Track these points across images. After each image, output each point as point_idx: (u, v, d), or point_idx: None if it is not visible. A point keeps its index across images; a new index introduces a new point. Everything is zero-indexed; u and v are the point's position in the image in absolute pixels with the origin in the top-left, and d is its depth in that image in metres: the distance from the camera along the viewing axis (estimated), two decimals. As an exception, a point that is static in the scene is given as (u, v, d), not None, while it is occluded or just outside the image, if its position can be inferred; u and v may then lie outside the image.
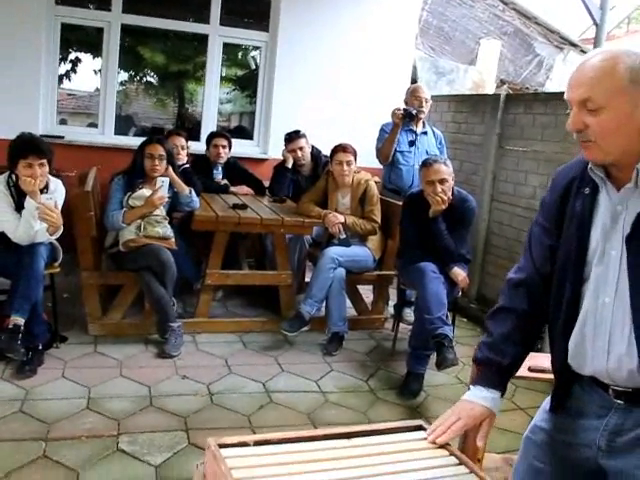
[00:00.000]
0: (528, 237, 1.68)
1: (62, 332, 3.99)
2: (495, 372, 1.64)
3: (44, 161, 3.58)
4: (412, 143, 5.03)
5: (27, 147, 3.56)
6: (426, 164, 3.91)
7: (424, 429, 1.63)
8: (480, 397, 1.61)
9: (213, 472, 1.40)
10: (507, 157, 5.18)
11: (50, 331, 3.85)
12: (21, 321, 3.43)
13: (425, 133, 5.14)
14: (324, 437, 1.55)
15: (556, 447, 1.58)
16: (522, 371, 2.66)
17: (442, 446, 1.56)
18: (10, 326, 3.40)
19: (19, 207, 3.58)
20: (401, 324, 4.51)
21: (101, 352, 3.91)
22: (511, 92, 5.45)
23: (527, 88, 8.82)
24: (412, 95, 5.11)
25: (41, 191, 3.58)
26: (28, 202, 3.52)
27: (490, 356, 1.64)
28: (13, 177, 3.63)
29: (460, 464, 1.50)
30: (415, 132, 5.06)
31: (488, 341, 1.68)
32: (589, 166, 1.45)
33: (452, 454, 1.54)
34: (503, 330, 1.65)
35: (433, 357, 3.72)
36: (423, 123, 5.14)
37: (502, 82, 8.74)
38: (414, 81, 6.77)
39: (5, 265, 3.59)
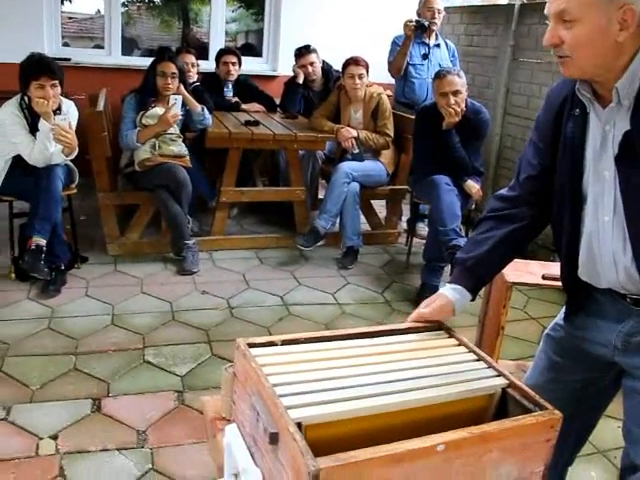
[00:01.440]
0: (521, 157, 1.72)
1: (82, 253, 4.07)
2: (461, 270, 1.71)
3: (56, 82, 3.57)
4: (425, 56, 4.94)
5: (38, 67, 3.54)
6: (439, 76, 3.86)
7: (444, 329, 1.69)
8: (446, 289, 1.71)
9: (244, 370, 1.46)
10: (521, 69, 5.09)
11: (71, 252, 3.92)
12: (43, 242, 3.50)
13: (438, 45, 5.04)
14: (348, 336, 1.61)
15: (574, 342, 1.65)
16: (536, 279, 2.73)
17: (461, 343, 1.62)
18: (32, 247, 3.47)
19: (33, 129, 3.58)
20: (414, 238, 4.55)
21: (121, 271, 4.00)
22: (525, 1, 5.31)
23: (541, -4, 8.53)
24: (424, 6, 4.98)
25: (54, 112, 3.58)
26: (42, 124, 3.53)
27: (459, 255, 1.73)
28: (26, 99, 3.62)
29: (478, 360, 1.56)
30: (428, 44, 4.96)
31: (464, 245, 1.79)
32: (577, 86, 1.45)
33: (471, 350, 1.59)
34: (475, 234, 1.74)
35: (447, 269, 3.78)
36: (436, 35, 5.03)
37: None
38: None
39: (24, 188, 3.63)
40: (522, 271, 2.75)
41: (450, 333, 1.67)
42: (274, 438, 1.23)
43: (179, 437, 2.40)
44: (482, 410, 1.45)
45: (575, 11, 1.33)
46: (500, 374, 1.48)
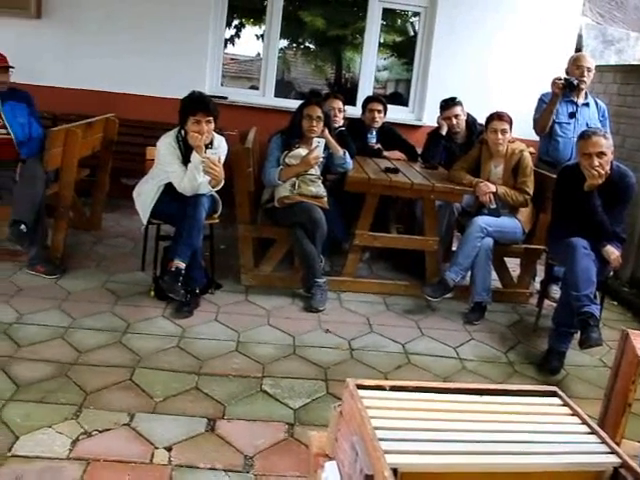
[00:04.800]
0: None
1: (217, 280, 4.28)
2: None
3: (211, 118, 3.82)
4: (572, 115, 4.83)
5: (196, 105, 3.81)
6: (584, 136, 3.76)
7: (558, 396, 1.64)
8: None
9: (349, 410, 1.49)
10: (676, 132, 4.85)
11: (207, 277, 4.14)
12: (182, 265, 3.73)
13: (587, 105, 4.91)
14: (457, 391, 1.60)
15: None
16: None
17: (575, 414, 1.56)
18: (173, 269, 3.71)
19: (186, 160, 3.84)
20: (546, 301, 4.40)
21: (251, 301, 4.16)
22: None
23: None
24: (574, 64, 4.88)
25: (206, 147, 3.83)
26: (194, 156, 3.78)
27: None
28: (182, 132, 3.89)
29: (592, 433, 1.50)
30: (576, 103, 4.85)
31: None
32: None
33: (585, 422, 1.54)
34: None
35: (577, 336, 3.62)
36: (585, 94, 4.91)
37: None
38: (579, 50, 6.45)
39: (171, 214, 3.90)
40: (657, 347, 2.59)
41: (564, 401, 1.62)
42: (369, 480, 1.25)
43: (284, 468, 2.45)
44: (589, 487, 1.39)
45: None
46: (613, 451, 1.42)
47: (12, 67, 4.28)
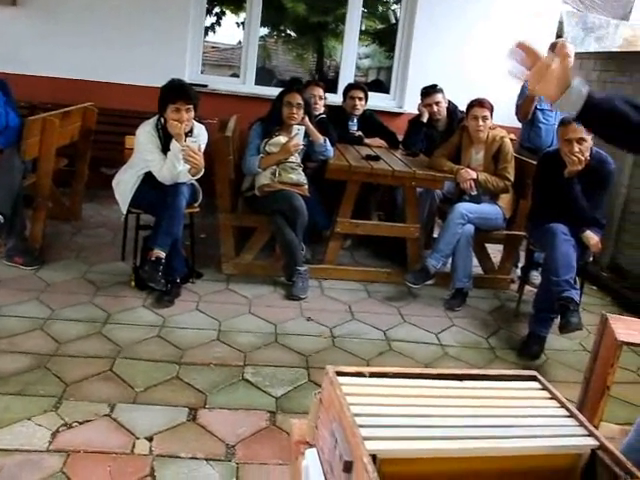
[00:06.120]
0: None
1: (198, 269, 4.26)
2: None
3: (191, 106, 3.79)
4: (554, 102, 4.83)
5: (176, 92, 3.77)
6: (564, 122, 3.77)
7: (538, 380, 1.64)
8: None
9: (329, 397, 1.49)
10: (655, 119, 4.86)
11: (187, 267, 4.12)
12: (162, 254, 3.70)
13: (571, 92, 4.91)
14: (437, 376, 1.60)
15: None
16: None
17: (554, 397, 1.57)
18: (152, 258, 3.68)
19: (165, 149, 3.81)
20: (527, 287, 4.43)
21: (232, 290, 4.14)
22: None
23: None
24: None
25: (186, 135, 3.80)
26: (173, 144, 3.75)
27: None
28: (162, 120, 3.85)
29: (570, 416, 1.50)
30: (558, 90, 4.85)
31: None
32: None
33: (563, 406, 1.54)
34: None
35: (557, 321, 3.64)
36: None
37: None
38: (559, 37, 6.47)
39: (151, 203, 3.87)
40: (636, 331, 2.61)
41: (543, 385, 1.62)
42: (348, 467, 1.24)
43: (266, 456, 2.45)
44: (567, 470, 1.39)
45: None
46: (591, 434, 1.42)
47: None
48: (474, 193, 4.42)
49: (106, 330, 3.37)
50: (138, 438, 2.48)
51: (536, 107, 4.85)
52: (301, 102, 4.29)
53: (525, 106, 4.85)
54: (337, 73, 6.79)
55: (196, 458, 2.40)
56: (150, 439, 2.48)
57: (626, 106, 1.54)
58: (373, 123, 5.48)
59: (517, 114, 4.98)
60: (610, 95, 1.55)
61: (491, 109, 4.43)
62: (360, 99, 5.26)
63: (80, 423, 2.54)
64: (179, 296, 3.88)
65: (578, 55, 5.15)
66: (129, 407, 2.68)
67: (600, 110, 1.56)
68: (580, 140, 3.69)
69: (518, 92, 4.96)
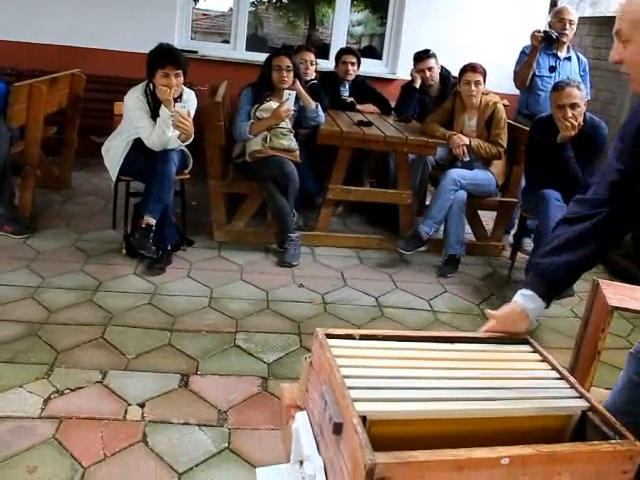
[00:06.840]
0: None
1: (189, 236, 4.23)
2: (534, 274, 1.65)
3: (180, 71, 3.73)
4: (553, 69, 4.78)
5: (165, 57, 3.71)
6: (557, 87, 3.74)
7: (529, 343, 1.64)
8: (518, 295, 1.65)
9: (319, 359, 1.48)
10: (647, 86, 4.83)
11: (179, 234, 4.09)
12: (153, 221, 3.67)
13: (569, 59, 4.85)
14: (428, 339, 1.60)
15: None
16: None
17: (545, 360, 1.57)
18: (143, 225, 3.66)
19: (154, 114, 3.76)
20: (520, 253, 4.42)
21: (224, 257, 4.13)
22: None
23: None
24: (556, 17, 4.83)
25: (175, 100, 3.74)
26: (163, 110, 3.69)
27: (533, 260, 1.67)
28: (151, 86, 3.80)
29: (561, 378, 1.50)
30: (558, 57, 4.80)
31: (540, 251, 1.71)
32: None
33: (554, 368, 1.54)
34: (551, 237, 1.67)
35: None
36: (568, 48, 4.85)
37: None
38: (554, 3, 6.38)
39: (140, 170, 3.83)
40: (627, 296, 2.62)
41: (535, 348, 1.62)
42: (338, 428, 1.24)
43: (258, 421, 2.45)
44: (558, 431, 1.40)
45: (627, 32, 1.38)
46: (582, 396, 1.42)
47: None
48: (466, 159, 4.39)
49: (97, 298, 3.35)
50: (130, 404, 2.47)
51: (534, 74, 4.78)
52: (290, 65, 4.23)
53: (522, 72, 4.79)
54: (329, 40, 6.69)
55: (188, 424, 2.40)
56: (142, 405, 2.48)
57: (572, 253, 1.59)
58: (365, 89, 5.42)
59: (515, 80, 4.92)
60: (553, 260, 1.61)
61: (484, 74, 4.37)
62: (352, 64, 5.20)
63: (72, 390, 2.53)
64: (170, 263, 3.86)
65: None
66: (121, 374, 2.68)
67: (560, 282, 1.65)
68: (573, 105, 3.66)
69: (517, 58, 4.90)
